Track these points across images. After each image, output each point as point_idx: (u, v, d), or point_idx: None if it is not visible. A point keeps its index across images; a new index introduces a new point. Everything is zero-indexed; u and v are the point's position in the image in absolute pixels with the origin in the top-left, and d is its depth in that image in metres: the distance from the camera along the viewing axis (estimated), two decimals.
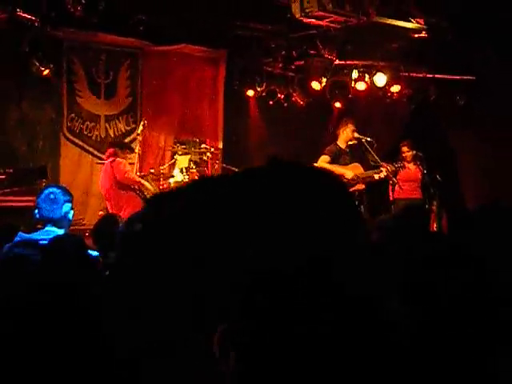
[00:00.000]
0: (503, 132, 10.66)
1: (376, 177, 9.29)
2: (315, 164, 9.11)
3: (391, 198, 9.65)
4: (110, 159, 8.76)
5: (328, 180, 0.93)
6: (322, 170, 0.97)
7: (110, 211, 8.47)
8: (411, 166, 9.85)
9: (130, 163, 9.08)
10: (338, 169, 9.00)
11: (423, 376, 1.46)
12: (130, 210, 8.15)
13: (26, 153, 9.41)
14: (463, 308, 1.65)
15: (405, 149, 9.83)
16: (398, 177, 9.62)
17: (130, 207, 8.30)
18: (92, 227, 6.97)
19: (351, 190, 9.03)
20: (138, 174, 9.23)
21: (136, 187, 8.73)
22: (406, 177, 9.72)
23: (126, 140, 10.20)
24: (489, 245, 1.99)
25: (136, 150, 9.38)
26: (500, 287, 1.72)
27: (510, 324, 1.60)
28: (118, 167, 8.64)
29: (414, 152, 9.74)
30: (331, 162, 9.12)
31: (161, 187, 9.37)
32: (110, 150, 8.87)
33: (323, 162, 9.10)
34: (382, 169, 9.26)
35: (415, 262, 2.20)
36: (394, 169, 9.42)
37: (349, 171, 9.07)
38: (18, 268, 2.65)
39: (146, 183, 8.88)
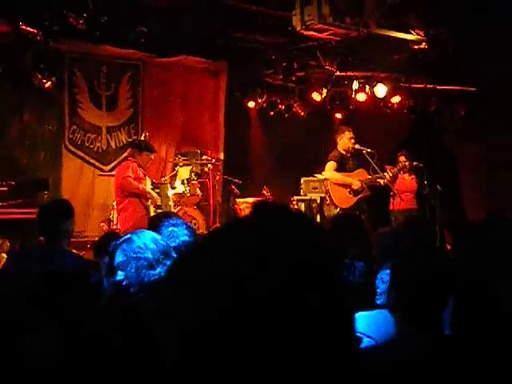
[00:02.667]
0: (504, 142, 10.68)
1: (381, 182, 9.24)
2: (324, 172, 9.12)
3: (391, 209, 9.63)
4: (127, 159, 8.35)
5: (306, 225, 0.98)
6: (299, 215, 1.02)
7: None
8: (407, 176, 9.85)
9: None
10: (345, 179, 8.99)
11: None
12: (126, 216, 7.88)
13: (27, 165, 9.42)
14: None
15: (402, 159, 9.79)
16: (395, 187, 9.61)
17: (128, 212, 7.86)
18: (93, 239, 6.93)
19: (358, 197, 9.01)
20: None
21: (140, 194, 7.94)
22: (403, 187, 9.71)
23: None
24: (494, 260, 1.98)
25: None
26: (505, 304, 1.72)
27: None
28: (121, 169, 8.11)
29: (410, 162, 9.71)
30: (338, 169, 9.06)
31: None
32: (129, 150, 8.51)
33: (332, 168, 9.03)
34: (385, 174, 9.19)
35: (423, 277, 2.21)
36: (396, 170, 9.40)
37: (355, 180, 9.01)
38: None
39: (152, 192, 8.18)
